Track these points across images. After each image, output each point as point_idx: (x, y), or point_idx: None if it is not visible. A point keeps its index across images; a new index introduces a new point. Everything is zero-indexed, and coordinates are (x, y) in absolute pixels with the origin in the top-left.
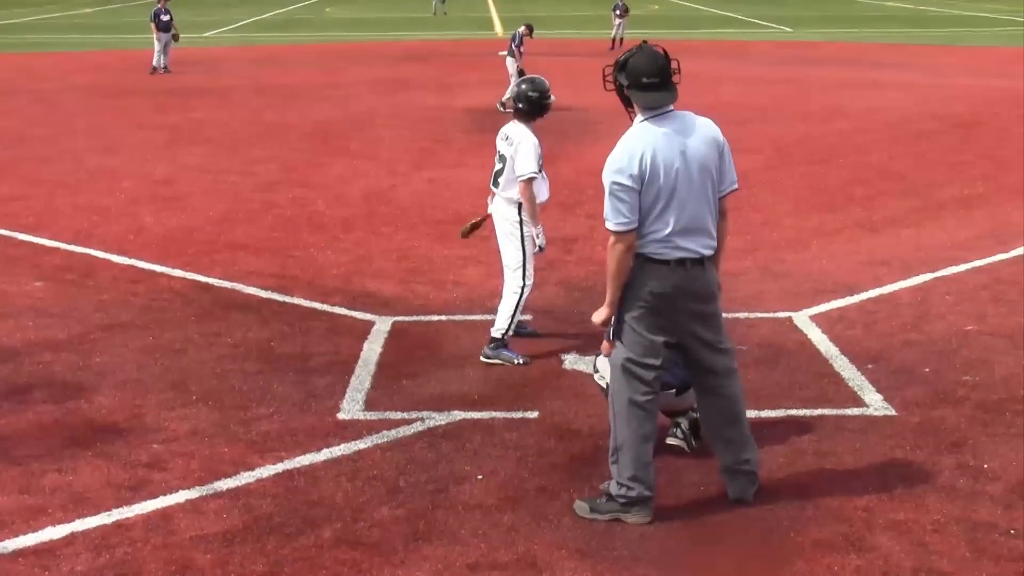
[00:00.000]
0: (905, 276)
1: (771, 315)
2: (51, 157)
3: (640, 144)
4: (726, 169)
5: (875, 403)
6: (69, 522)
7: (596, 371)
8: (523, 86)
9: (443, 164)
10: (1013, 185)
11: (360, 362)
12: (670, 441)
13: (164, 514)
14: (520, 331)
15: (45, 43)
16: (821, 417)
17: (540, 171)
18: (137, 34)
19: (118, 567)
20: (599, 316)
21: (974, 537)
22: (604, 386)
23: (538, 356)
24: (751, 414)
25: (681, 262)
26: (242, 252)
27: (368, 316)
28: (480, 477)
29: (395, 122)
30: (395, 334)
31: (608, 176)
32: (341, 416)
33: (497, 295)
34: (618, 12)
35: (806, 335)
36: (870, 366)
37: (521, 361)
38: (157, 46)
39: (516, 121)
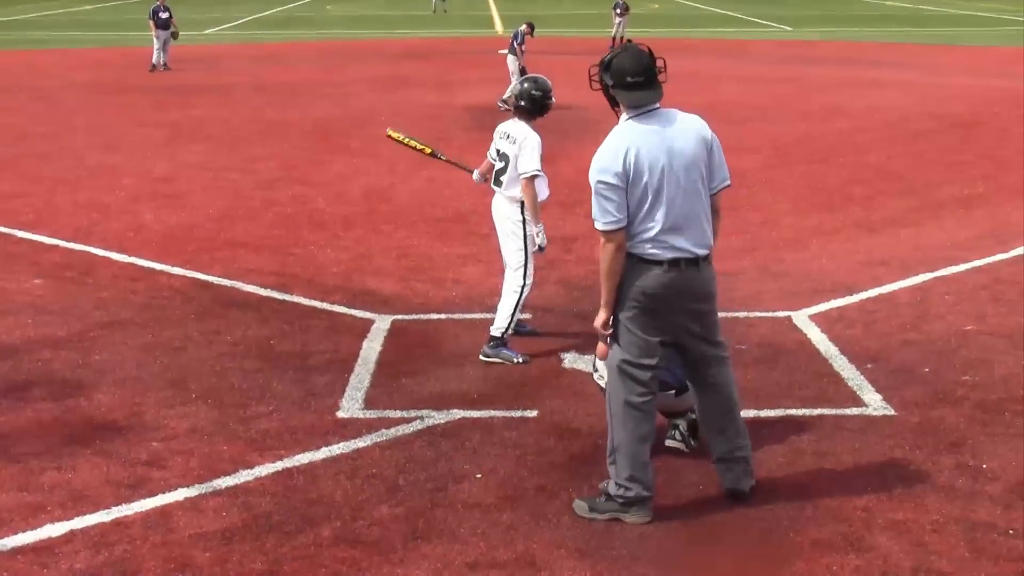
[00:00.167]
0: (904, 276)
1: (770, 315)
2: (51, 154)
3: (624, 142)
4: (716, 166)
5: (874, 403)
6: (68, 520)
7: (595, 370)
8: (526, 84)
9: (443, 163)
10: (1013, 185)
11: (359, 360)
12: (669, 443)
13: (163, 512)
14: (520, 330)
15: (46, 40)
16: (820, 417)
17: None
18: (137, 31)
19: (117, 565)
20: (599, 320)
21: (973, 537)
22: (603, 385)
23: (538, 355)
24: (751, 414)
25: (675, 262)
26: (242, 250)
27: (368, 314)
28: (479, 476)
29: (395, 120)
30: (395, 332)
31: (593, 176)
32: (340, 414)
33: (497, 293)
34: (618, 11)
35: (805, 335)
36: (869, 366)
37: (521, 360)
38: (156, 44)
39: (517, 119)
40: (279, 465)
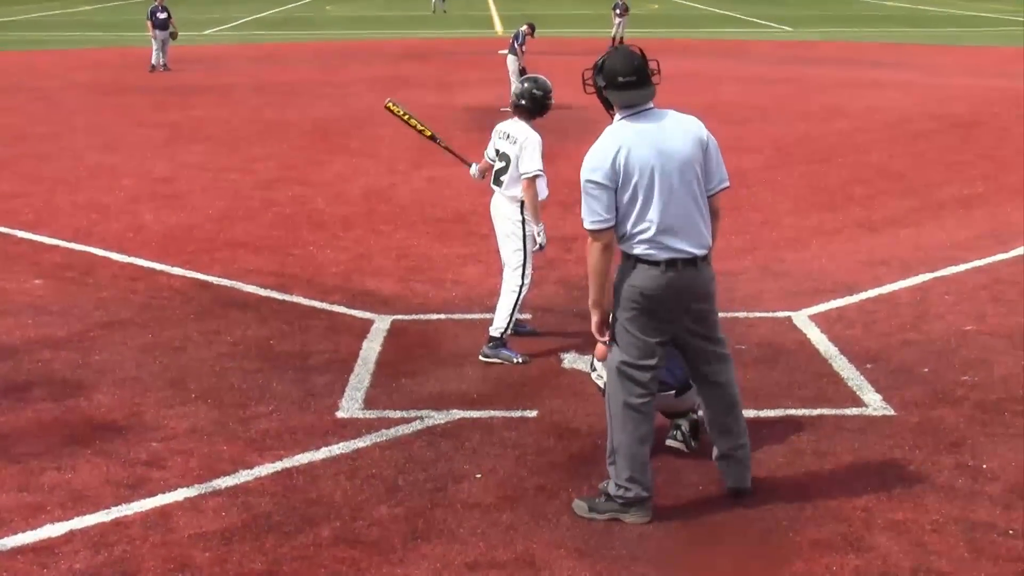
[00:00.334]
0: (904, 276)
1: (770, 315)
2: (51, 154)
3: (615, 142)
4: (713, 167)
5: (874, 403)
6: (68, 520)
7: (594, 370)
8: (527, 84)
9: (443, 162)
10: (1013, 185)
11: (359, 361)
12: (670, 443)
13: (163, 512)
14: (519, 330)
15: (45, 40)
16: (820, 417)
17: None
18: (137, 31)
19: (117, 565)
20: (593, 323)
21: (973, 537)
22: (602, 385)
23: (537, 355)
24: (751, 414)
25: (672, 263)
26: (241, 250)
27: (367, 314)
28: (479, 476)
29: (395, 120)
30: (394, 333)
31: (583, 174)
32: (340, 415)
33: (496, 294)
34: (618, 11)
35: (805, 335)
36: (869, 366)
37: (520, 360)
38: (155, 44)
39: (516, 119)
40: (279, 465)
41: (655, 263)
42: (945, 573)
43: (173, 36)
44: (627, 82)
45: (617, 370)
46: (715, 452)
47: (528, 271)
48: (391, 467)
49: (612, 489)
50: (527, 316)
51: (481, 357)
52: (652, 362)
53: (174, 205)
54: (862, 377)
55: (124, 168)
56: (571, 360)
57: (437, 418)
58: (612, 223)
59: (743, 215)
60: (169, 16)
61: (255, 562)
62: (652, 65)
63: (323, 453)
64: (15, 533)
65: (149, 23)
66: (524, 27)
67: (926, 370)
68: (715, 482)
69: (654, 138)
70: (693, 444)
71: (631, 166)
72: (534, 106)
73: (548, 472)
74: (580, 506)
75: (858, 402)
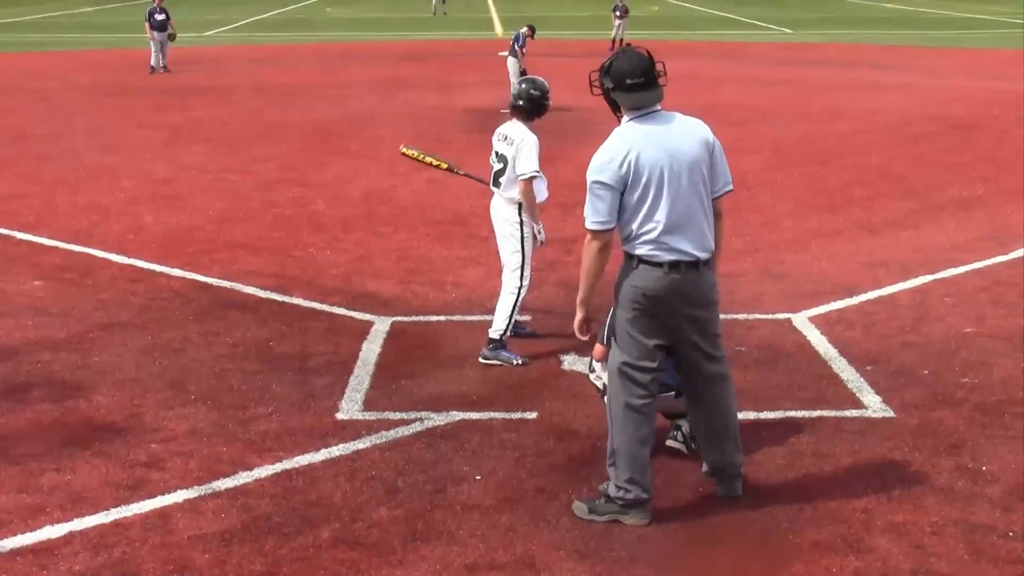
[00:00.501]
0: (904, 278)
1: (770, 316)
2: (51, 156)
3: (624, 144)
4: (718, 170)
5: (874, 405)
6: (67, 521)
7: (593, 371)
8: (524, 85)
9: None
10: (1012, 187)
11: (359, 362)
12: (670, 444)
13: (162, 514)
14: (519, 332)
15: (45, 42)
16: (820, 419)
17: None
18: (137, 33)
19: (116, 566)
20: (577, 321)
21: (972, 539)
22: (601, 386)
23: (537, 357)
24: (751, 416)
25: (675, 265)
26: (241, 251)
27: (367, 316)
28: (479, 478)
29: (395, 122)
30: (394, 334)
31: (590, 174)
32: (340, 416)
33: (496, 295)
34: (618, 13)
35: (805, 336)
36: (869, 368)
37: (520, 362)
38: (153, 46)
39: (515, 121)
40: (278, 467)
41: (658, 264)
42: (945, 575)
43: (171, 38)
44: (635, 84)
45: (618, 371)
46: (704, 467)
47: (527, 273)
48: (391, 469)
49: (612, 491)
50: (527, 318)
51: (481, 359)
52: (653, 364)
53: (174, 206)
54: (862, 379)
55: (124, 169)
56: (571, 362)
57: (437, 420)
58: (613, 225)
59: (743, 217)
60: (167, 17)
61: (255, 563)
62: (658, 66)
63: (323, 454)
64: (14, 534)
65: (147, 24)
66: (524, 29)
67: (926, 372)
68: (715, 484)
69: (662, 139)
70: (693, 446)
71: (640, 168)
72: (532, 107)
73: (548, 474)
74: (580, 508)
75: (858, 404)
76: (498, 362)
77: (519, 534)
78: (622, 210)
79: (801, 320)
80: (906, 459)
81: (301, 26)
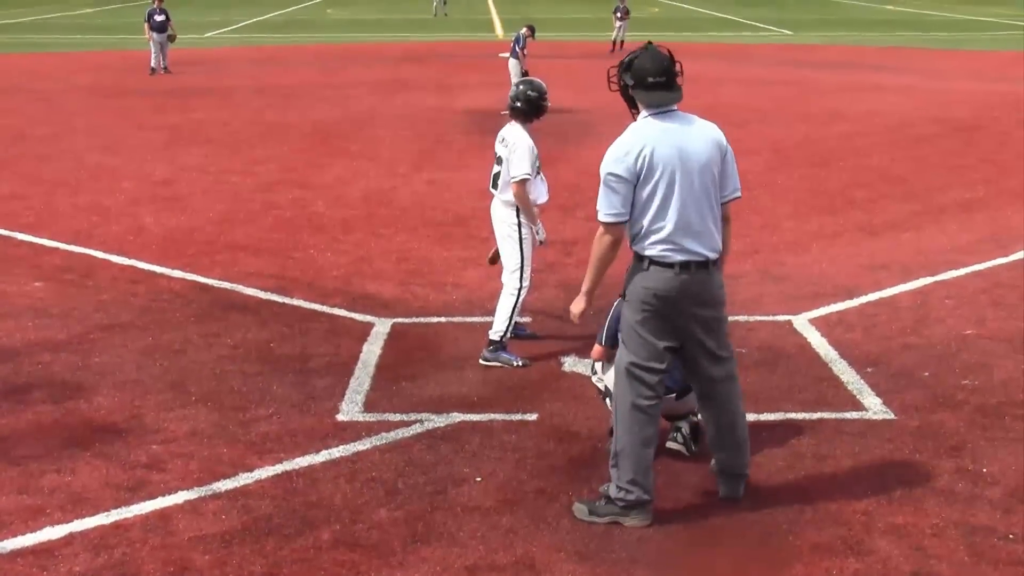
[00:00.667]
0: (905, 280)
1: (771, 318)
2: (51, 157)
3: (640, 139)
4: (729, 175)
5: (874, 407)
6: (68, 522)
7: (594, 372)
8: (522, 86)
9: (443, 166)
10: (1013, 189)
11: (359, 364)
12: (670, 445)
13: (163, 515)
14: (519, 333)
15: (46, 43)
16: (820, 420)
17: (538, 173)
18: (137, 34)
19: (117, 567)
20: (576, 307)
21: (973, 541)
22: (602, 388)
23: (537, 358)
24: (751, 417)
25: (686, 265)
26: (242, 253)
27: (367, 318)
28: (479, 479)
29: (395, 123)
30: (394, 336)
31: (605, 167)
32: (340, 418)
33: (496, 297)
34: (619, 14)
35: (805, 338)
36: (869, 370)
37: (520, 363)
38: (153, 47)
39: (513, 123)
40: (279, 468)
41: (669, 265)
42: None
43: (171, 39)
44: (656, 83)
45: (626, 371)
46: (713, 464)
47: (527, 274)
48: (391, 470)
49: (613, 492)
50: (527, 319)
51: (481, 360)
52: (662, 366)
53: (174, 208)
54: (862, 381)
55: (124, 170)
56: (571, 363)
57: (437, 421)
58: (626, 218)
59: (743, 218)
60: (167, 18)
61: (255, 565)
62: (676, 66)
63: (323, 456)
64: (15, 535)
65: (146, 25)
66: (524, 30)
67: (926, 374)
68: (715, 486)
69: (677, 138)
70: (694, 447)
71: (654, 163)
72: (530, 108)
73: (548, 475)
74: (580, 509)
75: (858, 406)
76: (498, 364)
77: (519, 536)
78: (632, 206)
79: (801, 322)
80: (906, 461)
81: (302, 27)
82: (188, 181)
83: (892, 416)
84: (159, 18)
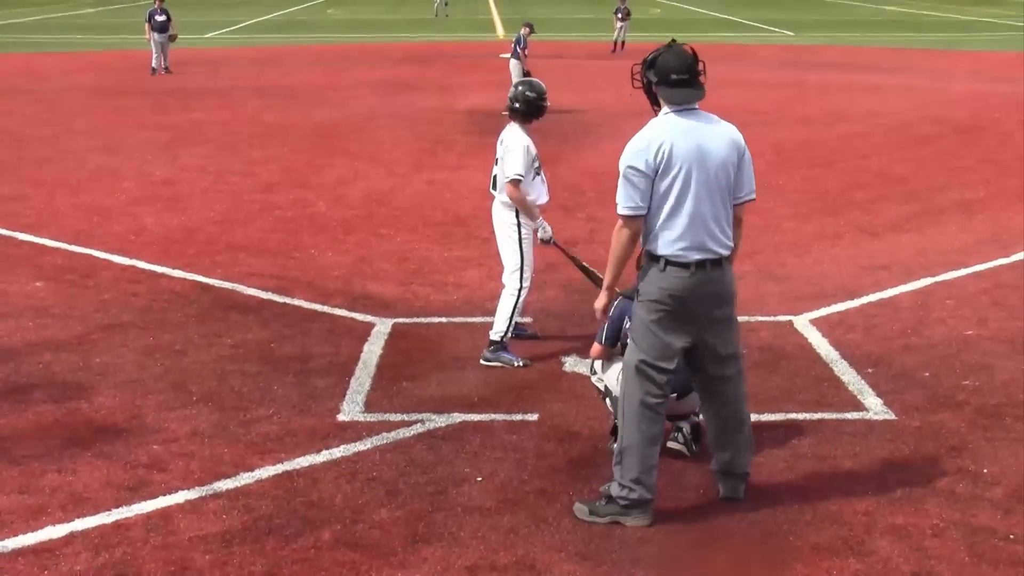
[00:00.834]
0: (906, 280)
1: (771, 319)
2: (52, 157)
3: (660, 133)
4: (745, 177)
5: (875, 407)
6: (69, 522)
7: (594, 373)
8: (520, 87)
9: (444, 166)
10: (1014, 190)
11: (360, 364)
12: (671, 446)
13: (164, 514)
14: (520, 334)
15: (46, 43)
16: (821, 421)
17: (538, 173)
18: (138, 34)
19: (117, 567)
20: (599, 302)
21: (973, 542)
22: (602, 388)
23: (538, 359)
24: (752, 418)
25: (701, 264)
26: (242, 253)
27: (368, 318)
28: (480, 479)
29: (396, 123)
30: (395, 336)
31: (624, 160)
32: (341, 418)
33: (497, 297)
34: (620, 15)
35: (806, 339)
36: (870, 370)
37: (521, 363)
38: (154, 47)
39: (512, 124)
40: (279, 468)
41: (685, 265)
42: None
43: (172, 39)
44: (679, 80)
45: (636, 368)
46: (713, 463)
47: (527, 274)
48: (392, 470)
49: (615, 490)
50: (528, 320)
51: (482, 361)
52: (671, 364)
53: (175, 208)
54: (863, 381)
55: (125, 171)
56: (572, 364)
57: (438, 421)
58: (644, 212)
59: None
60: (169, 18)
61: (255, 564)
62: (699, 65)
63: (324, 456)
64: (16, 535)
65: (147, 26)
66: (523, 29)
67: (927, 374)
68: (716, 486)
69: (697, 135)
70: (695, 448)
71: (673, 158)
72: (528, 108)
73: (549, 475)
74: (581, 509)
75: (859, 406)
76: (499, 364)
77: (520, 536)
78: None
79: (802, 322)
80: (907, 461)
81: (302, 28)
82: (189, 181)
83: (893, 416)
84: (160, 18)
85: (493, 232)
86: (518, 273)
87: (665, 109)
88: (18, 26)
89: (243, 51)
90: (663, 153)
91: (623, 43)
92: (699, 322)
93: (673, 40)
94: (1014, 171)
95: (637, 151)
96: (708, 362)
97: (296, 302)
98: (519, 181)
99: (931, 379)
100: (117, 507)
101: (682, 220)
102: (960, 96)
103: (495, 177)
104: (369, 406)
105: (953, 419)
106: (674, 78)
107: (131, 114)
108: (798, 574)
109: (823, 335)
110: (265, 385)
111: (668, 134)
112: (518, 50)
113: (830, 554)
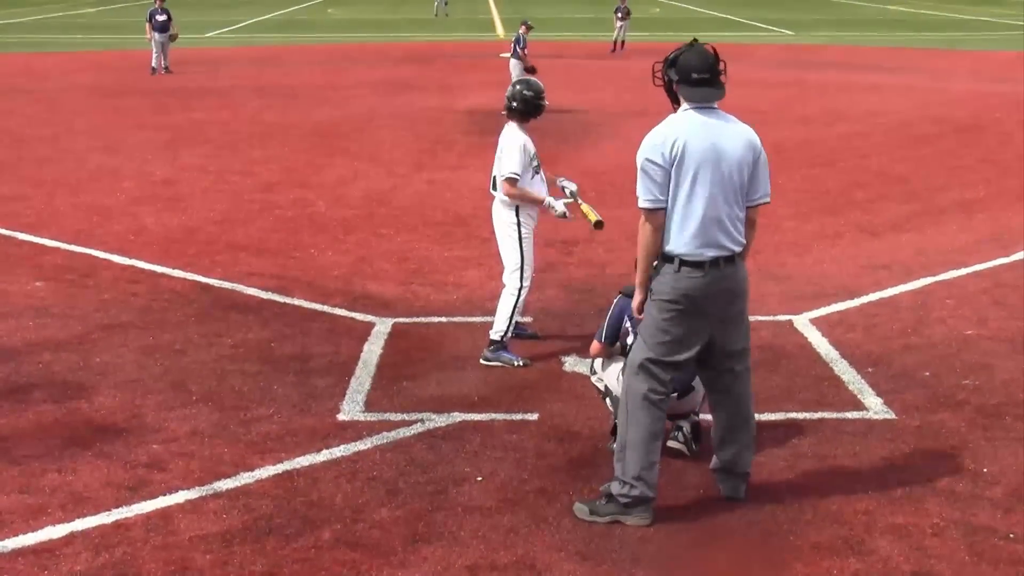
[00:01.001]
0: (906, 280)
1: (772, 318)
2: (52, 157)
3: (676, 128)
4: (760, 179)
5: (875, 406)
6: (69, 522)
7: (594, 372)
8: (518, 86)
9: (444, 166)
10: (1014, 189)
11: (360, 363)
12: (671, 445)
13: (164, 514)
14: (520, 333)
15: (47, 43)
16: (821, 420)
17: (537, 172)
18: (139, 34)
19: (117, 567)
20: (635, 301)
21: (973, 541)
22: (602, 388)
23: (538, 358)
24: None
25: (715, 262)
26: (243, 253)
27: (368, 317)
28: (480, 479)
29: (396, 123)
30: (395, 335)
31: (641, 154)
32: (341, 417)
33: (497, 297)
34: (620, 14)
35: (806, 338)
36: (870, 369)
37: (521, 363)
38: (154, 47)
39: (510, 123)
40: (279, 468)
41: (699, 264)
42: None
43: (173, 38)
44: (700, 79)
45: (641, 365)
46: (714, 461)
47: (528, 274)
48: (392, 469)
49: (616, 488)
50: (528, 319)
51: (482, 360)
52: (680, 359)
53: (175, 207)
54: (863, 381)
55: (125, 170)
56: (572, 363)
57: (438, 421)
58: (664, 205)
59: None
60: (169, 18)
61: (256, 564)
62: (720, 65)
63: (324, 455)
64: (16, 535)
65: (148, 25)
66: (522, 28)
67: (927, 374)
68: (716, 485)
69: (713, 133)
70: (695, 447)
71: (688, 154)
72: (526, 107)
73: (549, 475)
74: (581, 509)
75: (859, 406)
76: (499, 363)
77: (520, 535)
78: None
79: (802, 322)
80: (907, 461)
81: (302, 27)
82: (189, 181)
83: (893, 416)
84: (161, 18)
85: (493, 232)
86: (518, 273)
87: (684, 106)
88: (18, 26)
89: (243, 51)
90: (678, 148)
91: (623, 43)
92: (711, 320)
93: (695, 39)
94: (1014, 171)
95: (654, 145)
96: (718, 358)
97: (296, 302)
98: (515, 180)
99: (931, 379)
100: (117, 507)
101: (695, 217)
102: (960, 96)
103: (495, 177)
104: (369, 406)
105: (953, 419)
106: (695, 77)
107: (131, 114)
108: (798, 573)
109: (823, 334)
110: (265, 385)
111: (684, 130)
112: (518, 49)
113: (830, 553)
